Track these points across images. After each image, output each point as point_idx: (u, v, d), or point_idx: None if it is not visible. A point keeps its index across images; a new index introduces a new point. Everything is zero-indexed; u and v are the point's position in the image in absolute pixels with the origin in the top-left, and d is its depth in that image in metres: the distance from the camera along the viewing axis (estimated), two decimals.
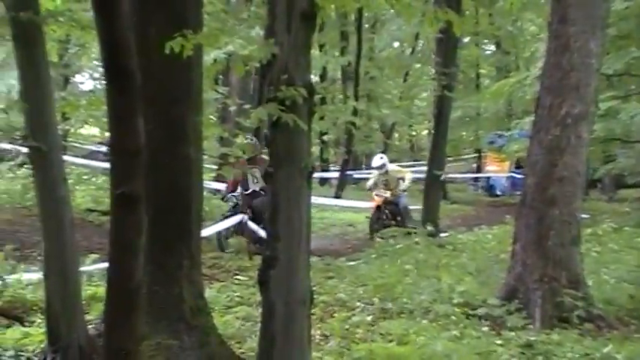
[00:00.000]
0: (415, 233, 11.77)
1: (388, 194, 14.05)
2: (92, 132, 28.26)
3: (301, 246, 4.01)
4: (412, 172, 15.68)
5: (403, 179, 14.41)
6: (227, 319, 6.50)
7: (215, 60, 10.53)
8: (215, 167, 17.32)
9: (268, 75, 3.93)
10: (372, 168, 15.17)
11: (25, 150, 13.59)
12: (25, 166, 15.73)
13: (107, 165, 14.63)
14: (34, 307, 6.41)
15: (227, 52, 10.77)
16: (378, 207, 14.20)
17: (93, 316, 5.61)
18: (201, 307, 5.19)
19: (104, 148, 24.65)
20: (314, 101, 3.99)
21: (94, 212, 13.16)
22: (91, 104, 6.48)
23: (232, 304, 7.32)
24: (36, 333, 5.46)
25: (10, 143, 13.42)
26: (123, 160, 2.93)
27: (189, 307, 5.02)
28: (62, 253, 4.91)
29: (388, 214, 14.07)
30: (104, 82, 3.04)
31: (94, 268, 7.59)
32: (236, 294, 7.77)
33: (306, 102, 3.84)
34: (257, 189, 12.22)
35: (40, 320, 5.85)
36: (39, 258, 7.99)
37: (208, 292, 5.59)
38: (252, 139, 12.75)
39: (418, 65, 29.19)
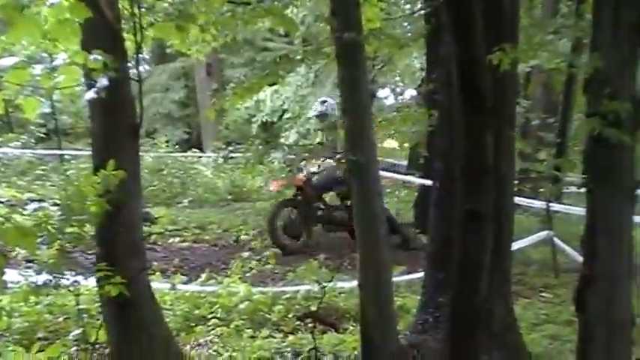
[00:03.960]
0: None
1: None
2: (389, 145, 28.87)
3: (622, 267, 3.83)
4: None
5: None
6: (534, 337, 6.36)
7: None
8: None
9: (589, 89, 3.80)
10: None
11: None
12: None
13: (408, 178, 14.98)
14: (346, 315, 6.74)
15: (530, 66, 10.52)
16: None
17: (401, 327, 5.74)
18: (511, 323, 5.14)
19: (403, 162, 25.10)
20: None
21: None
22: (404, 120, 6.67)
23: (539, 321, 7.15)
24: (349, 339, 5.71)
25: None
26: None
27: (499, 323, 4.99)
28: (376, 263, 5.10)
29: None
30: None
31: (400, 279, 7.80)
32: (542, 311, 7.58)
33: (631, 117, 3.67)
34: None
35: (352, 327, 6.12)
36: (349, 267, 8.41)
37: (514, 309, 5.52)
38: None
39: None
